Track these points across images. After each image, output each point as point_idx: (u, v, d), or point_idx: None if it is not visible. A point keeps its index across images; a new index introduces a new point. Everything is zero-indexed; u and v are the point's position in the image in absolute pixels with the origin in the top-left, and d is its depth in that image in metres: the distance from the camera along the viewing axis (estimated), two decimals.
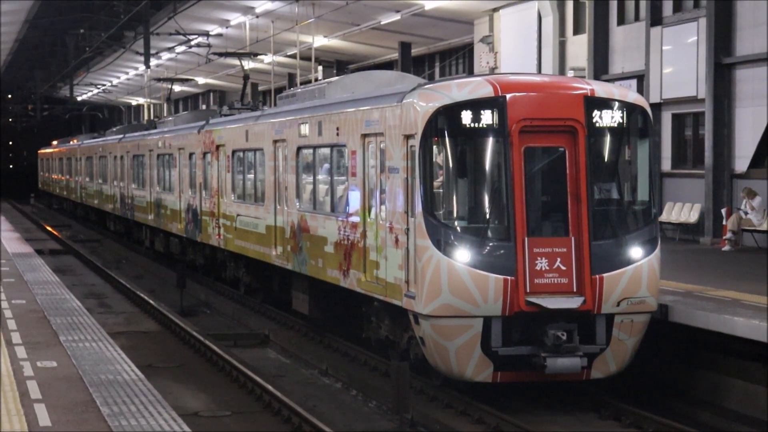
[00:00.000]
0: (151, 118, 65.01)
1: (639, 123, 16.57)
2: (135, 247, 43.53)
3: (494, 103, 15.87)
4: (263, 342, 22.79)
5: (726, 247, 27.00)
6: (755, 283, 19.45)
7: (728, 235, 27.15)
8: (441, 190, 16.09)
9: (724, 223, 27.92)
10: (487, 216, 15.96)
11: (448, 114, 15.94)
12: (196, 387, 18.20)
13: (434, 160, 16.06)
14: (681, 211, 30.29)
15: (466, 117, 15.87)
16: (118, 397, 12.90)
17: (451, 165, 16.11)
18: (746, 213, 27.08)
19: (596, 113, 16.18)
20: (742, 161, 28.60)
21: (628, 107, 16.44)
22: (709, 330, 16.13)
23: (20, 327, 17.97)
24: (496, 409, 15.84)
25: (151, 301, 27.24)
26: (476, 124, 15.88)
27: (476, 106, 15.87)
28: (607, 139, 16.37)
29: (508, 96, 15.91)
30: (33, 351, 15.83)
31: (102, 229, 53.53)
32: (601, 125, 16.23)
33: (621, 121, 16.35)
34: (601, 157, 16.42)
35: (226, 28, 51.70)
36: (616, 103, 16.35)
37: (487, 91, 15.99)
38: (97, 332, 17.69)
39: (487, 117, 15.86)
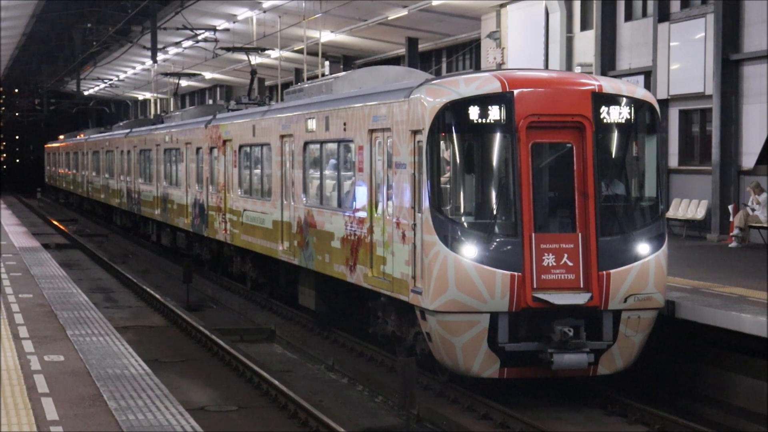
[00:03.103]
0: (158, 112, 64.92)
1: (646, 119, 16.54)
2: (141, 242, 43.57)
3: (502, 98, 15.84)
4: (269, 337, 22.80)
5: (733, 244, 26.97)
6: (762, 280, 19.41)
7: (735, 231, 27.12)
8: (448, 186, 16.06)
9: (731, 219, 27.88)
10: (494, 212, 15.93)
11: (455, 109, 15.92)
12: (203, 382, 18.22)
13: (441, 155, 16.03)
14: (688, 208, 30.24)
15: (474, 112, 15.85)
16: (125, 392, 12.90)
17: (458, 160, 16.09)
18: (753, 209, 27.04)
19: (604, 109, 16.15)
20: (749, 158, 28.55)
21: (636, 103, 16.41)
22: (716, 326, 16.11)
23: (27, 321, 17.97)
24: (502, 404, 15.83)
25: (158, 296, 27.25)
26: (484, 120, 15.85)
27: (484, 101, 15.85)
28: (615, 135, 16.34)
29: (515, 92, 15.89)
30: (40, 345, 15.83)
31: (108, 223, 53.58)
32: (608, 121, 16.21)
33: (629, 117, 16.32)
34: (608, 153, 16.38)
35: (233, 22, 51.71)
36: (624, 99, 16.32)
37: (494, 87, 15.97)
38: (104, 326, 17.69)
39: (495, 113, 15.84)
